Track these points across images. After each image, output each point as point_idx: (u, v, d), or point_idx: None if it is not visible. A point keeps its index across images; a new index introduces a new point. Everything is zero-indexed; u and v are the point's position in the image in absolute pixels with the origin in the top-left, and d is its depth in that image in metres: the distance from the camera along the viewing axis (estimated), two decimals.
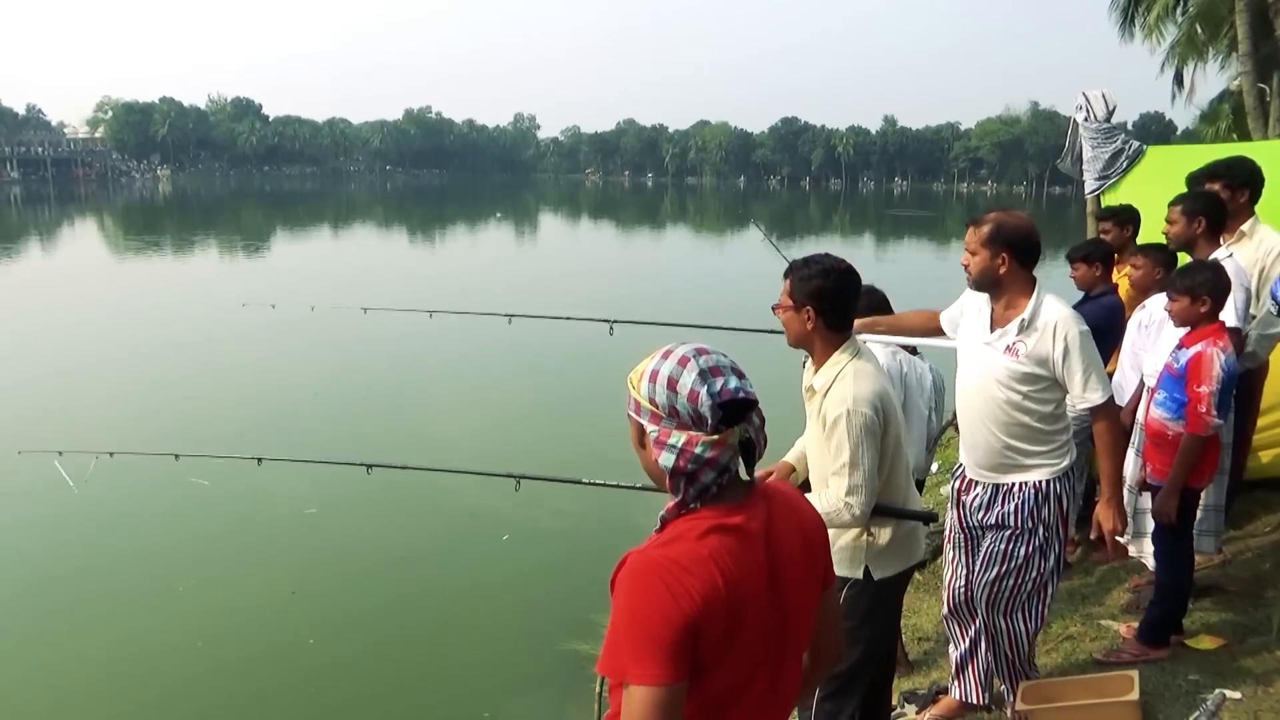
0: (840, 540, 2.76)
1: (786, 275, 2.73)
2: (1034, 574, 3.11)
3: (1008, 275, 2.98)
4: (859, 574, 2.78)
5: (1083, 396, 2.96)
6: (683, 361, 1.54)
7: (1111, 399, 3.02)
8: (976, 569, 3.20)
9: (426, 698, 5.26)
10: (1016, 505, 3.07)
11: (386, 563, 6.95)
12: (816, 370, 2.75)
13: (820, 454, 2.74)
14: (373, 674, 5.50)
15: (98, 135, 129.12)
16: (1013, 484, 3.08)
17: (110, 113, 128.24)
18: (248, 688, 5.33)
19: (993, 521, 3.12)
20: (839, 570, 2.72)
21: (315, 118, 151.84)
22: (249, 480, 8.58)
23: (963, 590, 3.29)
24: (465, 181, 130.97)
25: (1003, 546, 3.11)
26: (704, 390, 1.50)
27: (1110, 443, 3.01)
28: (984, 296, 3.11)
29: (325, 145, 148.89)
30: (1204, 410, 3.28)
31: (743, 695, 1.54)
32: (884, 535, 2.77)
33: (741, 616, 1.47)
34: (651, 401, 1.55)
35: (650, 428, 1.55)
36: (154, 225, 43.07)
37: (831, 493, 2.65)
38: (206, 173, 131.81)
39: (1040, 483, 3.05)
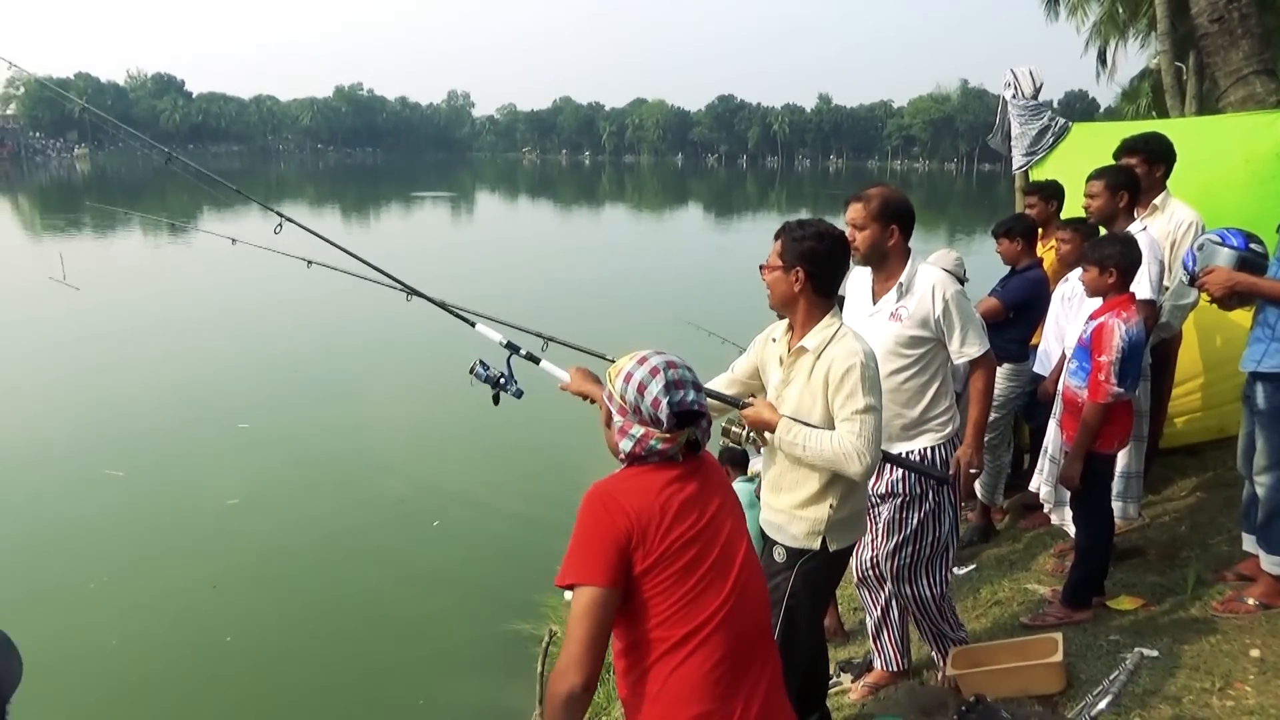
0: (804, 511, 2.67)
1: (777, 236, 2.67)
2: (930, 538, 3.18)
3: (895, 247, 3.09)
4: (815, 545, 2.68)
5: (961, 351, 3.10)
6: (654, 371, 1.90)
7: (989, 351, 3.16)
8: (879, 541, 3.22)
9: (358, 686, 5.15)
10: (904, 472, 3.11)
11: (313, 553, 6.78)
12: (802, 334, 2.67)
13: (808, 413, 2.63)
14: (301, 666, 5.40)
15: (10, 113, 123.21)
16: (900, 453, 3.11)
17: (23, 89, 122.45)
18: (169, 686, 5.15)
19: (883, 490, 3.15)
20: (795, 543, 2.70)
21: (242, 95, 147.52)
22: (167, 471, 8.33)
23: (868, 561, 3.30)
24: (400, 160, 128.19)
25: (896, 515, 3.16)
26: (666, 400, 1.87)
27: (980, 390, 3.21)
28: (863, 282, 3.23)
29: (253, 123, 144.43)
30: (1103, 379, 3.37)
31: (707, 602, 1.81)
32: (846, 507, 2.68)
33: (678, 533, 1.79)
34: (622, 397, 1.91)
35: (617, 418, 1.93)
36: (71, 204, 41.25)
37: (845, 439, 2.52)
38: (127, 151, 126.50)
39: (926, 449, 3.14)
